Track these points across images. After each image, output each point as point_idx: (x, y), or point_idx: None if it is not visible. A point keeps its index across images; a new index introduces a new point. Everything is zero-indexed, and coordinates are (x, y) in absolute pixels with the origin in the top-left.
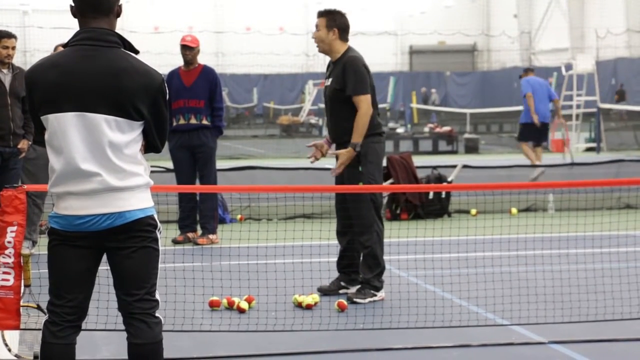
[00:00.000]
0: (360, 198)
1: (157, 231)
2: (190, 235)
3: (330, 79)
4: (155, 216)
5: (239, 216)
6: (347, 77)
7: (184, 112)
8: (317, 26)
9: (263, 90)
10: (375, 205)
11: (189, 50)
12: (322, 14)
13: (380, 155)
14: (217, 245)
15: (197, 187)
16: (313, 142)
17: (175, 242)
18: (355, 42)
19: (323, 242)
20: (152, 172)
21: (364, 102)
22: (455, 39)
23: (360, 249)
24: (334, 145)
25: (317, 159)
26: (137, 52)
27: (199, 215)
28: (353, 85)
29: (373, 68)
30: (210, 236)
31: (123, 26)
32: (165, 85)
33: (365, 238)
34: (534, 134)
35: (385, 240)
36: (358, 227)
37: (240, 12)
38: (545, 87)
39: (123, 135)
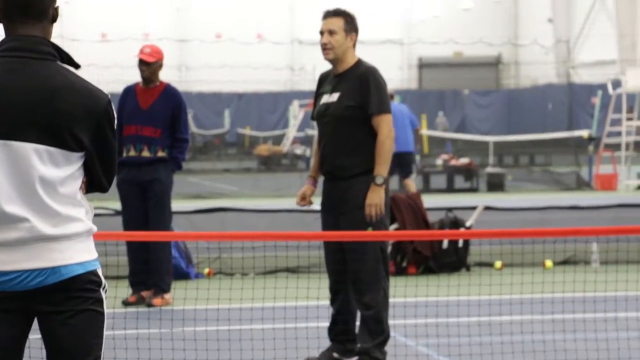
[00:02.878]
0: (366, 248)
1: (101, 290)
2: (145, 294)
3: (337, 94)
4: (99, 271)
5: (206, 270)
6: (370, 91)
7: (135, 141)
8: (330, 30)
9: (237, 112)
10: (384, 256)
11: (145, 65)
12: (339, 14)
13: (388, 194)
14: (178, 307)
15: (153, 234)
16: (300, 192)
17: (125, 303)
18: None
19: (311, 302)
20: (96, 215)
21: (386, 124)
22: (475, 50)
23: (360, 310)
24: (321, 180)
25: (310, 204)
26: (77, 66)
27: (150, 269)
28: (377, 102)
29: None
30: (165, 296)
31: (62, 33)
32: (113, 108)
33: (369, 297)
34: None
35: (389, 300)
36: (360, 283)
37: (209, 16)
38: (407, 114)
39: (58, 169)
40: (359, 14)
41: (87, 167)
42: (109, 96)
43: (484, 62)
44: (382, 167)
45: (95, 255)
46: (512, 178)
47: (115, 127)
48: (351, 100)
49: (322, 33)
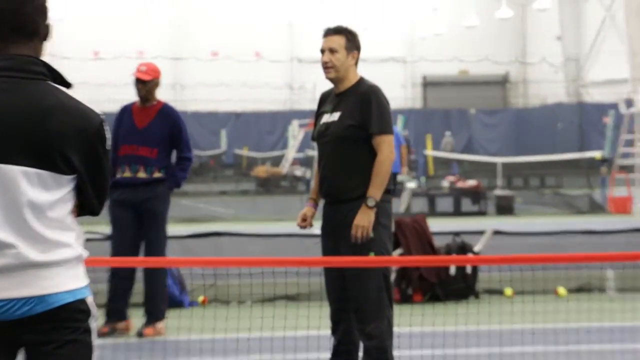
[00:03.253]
0: (368, 274)
1: (91, 320)
2: (119, 325)
3: (338, 113)
4: (90, 300)
5: (201, 298)
6: (371, 110)
7: (131, 161)
8: (331, 49)
9: (234, 132)
10: (387, 283)
11: (141, 84)
12: (340, 31)
13: (391, 218)
14: (171, 337)
15: (146, 260)
16: (300, 214)
17: (98, 334)
18: None
19: (312, 332)
20: (87, 240)
21: (387, 145)
22: (481, 68)
23: (363, 340)
24: (322, 203)
25: (310, 227)
26: (69, 85)
27: (144, 296)
28: (378, 121)
29: None
30: (158, 325)
31: (53, 51)
32: (105, 129)
33: (372, 327)
34: None
35: (393, 329)
36: (363, 312)
37: (205, 32)
38: (397, 134)
39: (48, 193)
40: (361, 31)
41: (78, 190)
42: (102, 116)
43: (491, 80)
44: (376, 189)
45: (85, 282)
46: (521, 201)
47: (108, 148)
48: (352, 119)
49: (322, 51)
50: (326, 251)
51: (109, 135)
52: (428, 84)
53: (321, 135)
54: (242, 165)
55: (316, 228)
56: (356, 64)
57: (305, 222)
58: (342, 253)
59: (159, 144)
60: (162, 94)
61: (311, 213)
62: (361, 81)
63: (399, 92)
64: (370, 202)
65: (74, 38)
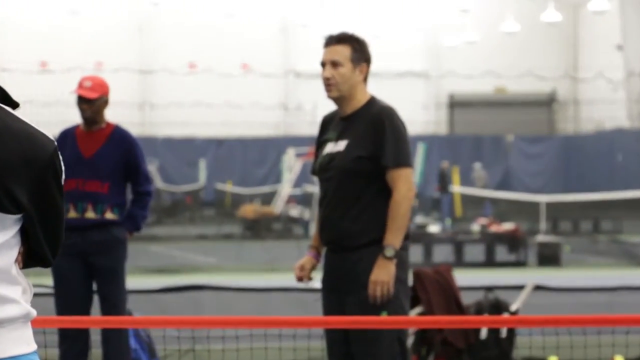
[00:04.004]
0: (379, 338)
1: None
2: None
3: (345, 142)
4: None
5: None
6: (384, 138)
7: (76, 199)
8: (333, 61)
9: (215, 163)
10: (402, 348)
11: (86, 103)
12: (345, 40)
13: (407, 269)
14: None
15: (106, 320)
16: (298, 264)
17: None
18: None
19: None
20: (34, 294)
21: (405, 180)
22: (522, 85)
23: None
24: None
25: (309, 280)
26: (16, 105)
27: None
28: (394, 152)
29: None
30: None
31: None
32: (60, 157)
33: None
34: None
35: None
36: None
37: (180, 39)
38: None
39: None
40: (371, 39)
41: (25, 234)
42: (55, 143)
43: (534, 100)
44: (395, 236)
45: (33, 347)
46: (570, 249)
47: (62, 182)
48: (362, 149)
49: (323, 65)
50: (328, 309)
51: (63, 166)
52: (455, 104)
53: (324, 169)
54: (225, 204)
55: (317, 281)
56: (365, 79)
57: (303, 272)
58: (347, 312)
59: (110, 176)
60: (126, 117)
61: (311, 264)
62: (372, 102)
63: (420, 115)
64: (389, 252)
65: (16, 46)
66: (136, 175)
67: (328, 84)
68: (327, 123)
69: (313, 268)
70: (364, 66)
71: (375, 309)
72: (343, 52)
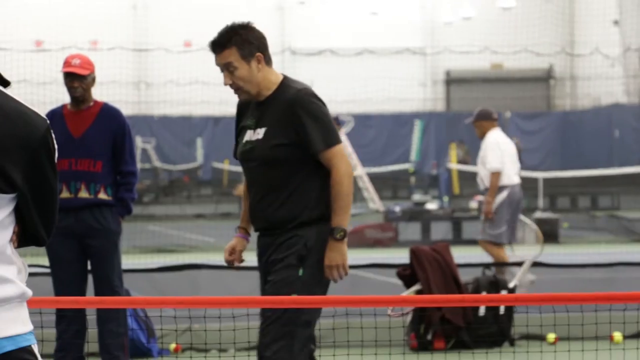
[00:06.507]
0: (279, 321)
1: None
2: None
3: (263, 129)
4: (35, 348)
5: (173, 345)
6: (304, 125)
7: (69, 179)
8: (227, 65)
9: (212, 142)
10: (305, 331)
11: (77, 80)
12: (227, 43)
13: (323, 248)
14: None
15: (103, 300)
16: (228, 247)
17: None
18: (360, 63)
19: None
20: (30, 274)
21: (340, 157)
22: (519, 60)
23: None
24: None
25: (240, 262)
26: (7, 83)
27: (99, 345)
28: (321, 135)
29: (389, 105)
30: None
31: None
32: (53, 136)
33: None
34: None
35: None
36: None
37: (175, 18)
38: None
39: None
40: (369, 16)
41: (19, 214)
42: (48, 122)
43: (531, 76)
44: (341, 216)
45: (29, 327)
46: (568, 225)
47: (55, 161)
48: (281, 136)
49: (222, 70)
50: (264, 291)
51: (56, 145)
52: (452, 81)
53: (246, 158)
54: (222, 183)
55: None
56: (268, 62)
57: (233, 255)
58: (264, 292)
59: (102, 154)
60: (123, 95)
61: (242, 245)
62: (285, 83)
63: (417, 92)
64: (338, 234)
65: (11, 25)
66: (122, 153)
67: (233, 89)
68: (243, 108)
69: (243, 249)
70: (258, 55)
71: (289, 288)
72: (231, 56)
